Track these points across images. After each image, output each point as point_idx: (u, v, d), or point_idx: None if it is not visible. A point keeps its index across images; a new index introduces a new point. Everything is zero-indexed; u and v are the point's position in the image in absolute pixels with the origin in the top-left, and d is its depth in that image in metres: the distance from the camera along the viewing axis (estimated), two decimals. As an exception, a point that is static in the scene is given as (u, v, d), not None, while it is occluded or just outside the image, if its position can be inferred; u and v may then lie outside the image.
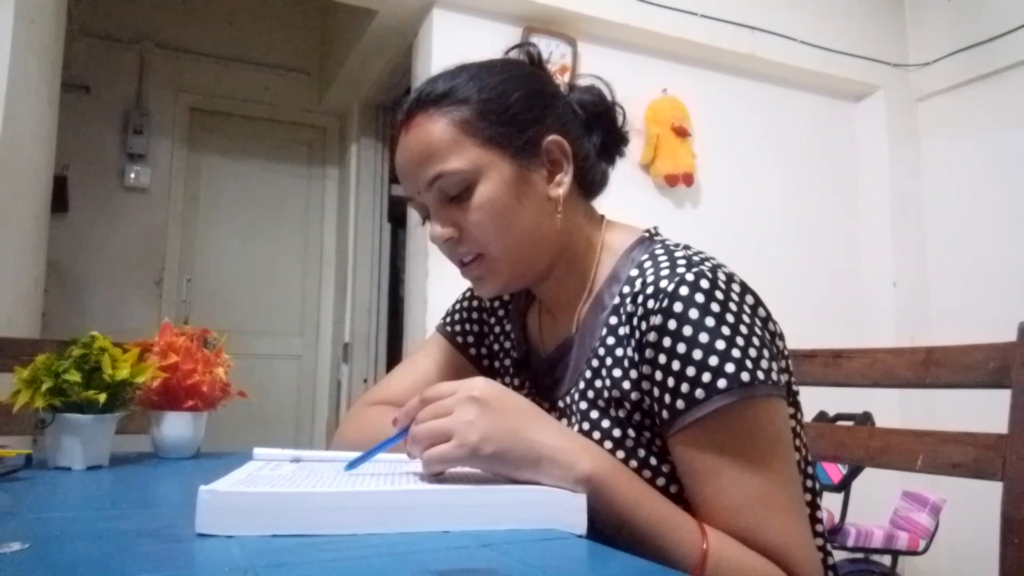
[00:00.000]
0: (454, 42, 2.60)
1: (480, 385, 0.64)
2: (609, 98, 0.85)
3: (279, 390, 3.81)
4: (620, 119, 0.86)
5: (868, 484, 2.43)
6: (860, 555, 2.50)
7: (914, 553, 2.47)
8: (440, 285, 2.44)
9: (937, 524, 2.48)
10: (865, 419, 2.34)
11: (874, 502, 2.65)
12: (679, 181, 2.83)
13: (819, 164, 3.27)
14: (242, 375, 1.11)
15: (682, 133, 2.82)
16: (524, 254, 0.78)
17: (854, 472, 2.39)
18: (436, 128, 0.75)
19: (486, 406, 0.62)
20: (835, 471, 2.45)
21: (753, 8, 3.05)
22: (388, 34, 2.97)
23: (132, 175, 3.61)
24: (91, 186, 3.49)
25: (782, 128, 3.20)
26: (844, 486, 2.41)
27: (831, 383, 1.08)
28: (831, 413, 2.45)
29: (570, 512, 0.59)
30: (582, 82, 0.87)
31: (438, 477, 0.63)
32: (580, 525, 0.59)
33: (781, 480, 0.66)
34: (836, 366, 1.08)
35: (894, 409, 2.72)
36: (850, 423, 2.29)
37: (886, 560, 2.57)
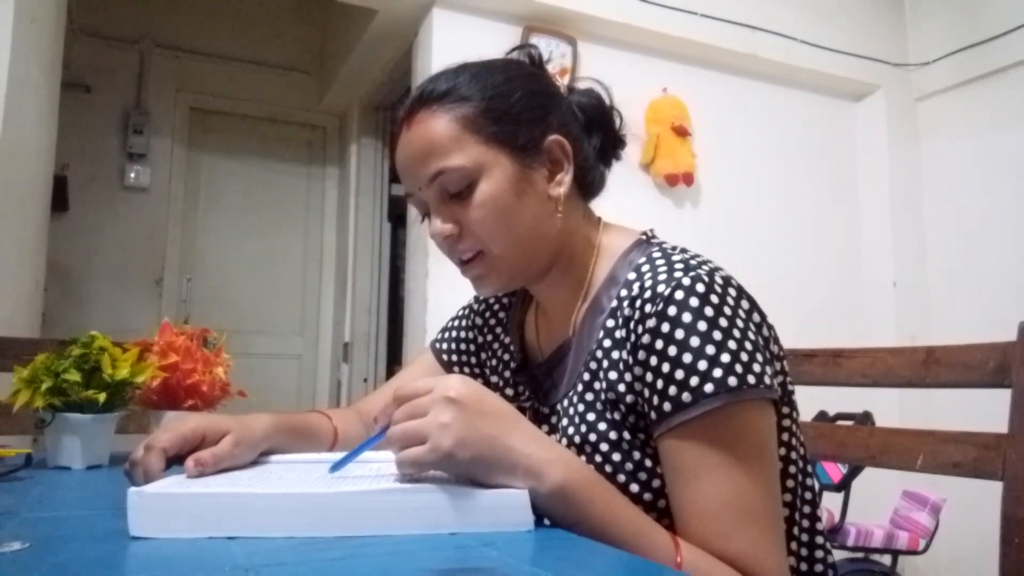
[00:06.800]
0: (454, 42, 2.60)
1: (456, 384, 0.61)
2: (607, 101, 0.86)
3: (279, 390, 3.81)
4: (618, 122, 0.86)
5: (868, 484, 2.43)
6: (860, 555, 2.50)
7: (914, 553, 2.48)
8: (440, 285, 2.44)
9: (937, 524, 2.48)
10: (865, 419, 2.34)
11: (874, 502, 2.65)
12: (679, 180, 2.83)
13: (819, 164, 3.27)
14: (242, 375, 1.11)
15: (682, 133, 2.82)
16: (524, 252, 0.78)
17: (854, 472, 2.39)
18: (439, 124, 0.75)
19: (462, 408, 0.59)
20: (835, 471, 2.45)
21: (753, 8, 3.05)
22: (388, 34, 2.97)
23: (132, 175, 3.61)
24: (91, 186, 3.49)
25: (782, 128, 3.20)
26: (844, 486, 2.41)
27: (831, 383, 1.08)
28: (831, 413, 2.44)
29: (514, 511, 0.57)
30: (581, 85, 0.88)
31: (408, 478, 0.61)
32: (527, 522, 0.57)
33: (759, 491, 0.65)
34: (836, 366, 1.08)
35: (894, 409, 2.72)
36: (850, 423, 2.29)
37: (886, 560, 2.57)
